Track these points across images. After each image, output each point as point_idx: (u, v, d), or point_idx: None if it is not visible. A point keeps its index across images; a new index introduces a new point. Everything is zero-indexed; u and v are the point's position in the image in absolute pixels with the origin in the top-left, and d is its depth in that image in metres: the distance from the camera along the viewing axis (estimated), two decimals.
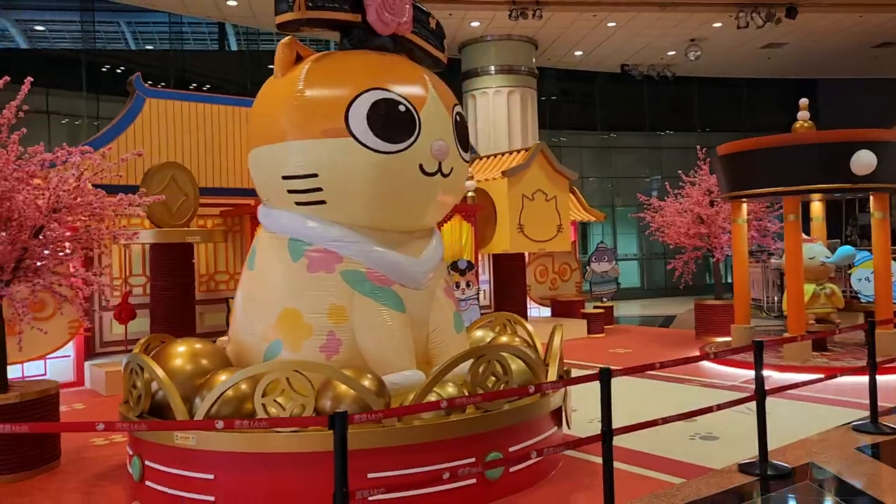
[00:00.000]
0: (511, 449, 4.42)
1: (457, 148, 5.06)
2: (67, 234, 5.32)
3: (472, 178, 11.40)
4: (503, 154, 12.55)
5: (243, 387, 4.25)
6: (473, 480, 4.24)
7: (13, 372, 8.09)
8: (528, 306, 13.48)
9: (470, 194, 11.27)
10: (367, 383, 4.29)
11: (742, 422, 5.78)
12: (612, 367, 3.92)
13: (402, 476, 4.00)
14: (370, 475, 3.98)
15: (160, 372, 4.36)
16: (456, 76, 17.51)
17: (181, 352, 4.77)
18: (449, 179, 4.99)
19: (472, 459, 4.19)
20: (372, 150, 4.62)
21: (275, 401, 4.04)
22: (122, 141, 9.85)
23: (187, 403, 4.33)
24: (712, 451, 5.26)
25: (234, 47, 18.53)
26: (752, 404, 6.26)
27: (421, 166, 4.78)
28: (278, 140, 4.81)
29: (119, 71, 16.56)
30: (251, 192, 7.10)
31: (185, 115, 10.53)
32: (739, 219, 9.76)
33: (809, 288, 9.02)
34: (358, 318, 4.72)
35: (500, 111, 16.33)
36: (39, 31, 16.79)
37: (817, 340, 9.04)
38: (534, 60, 17.02)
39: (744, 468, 4.78)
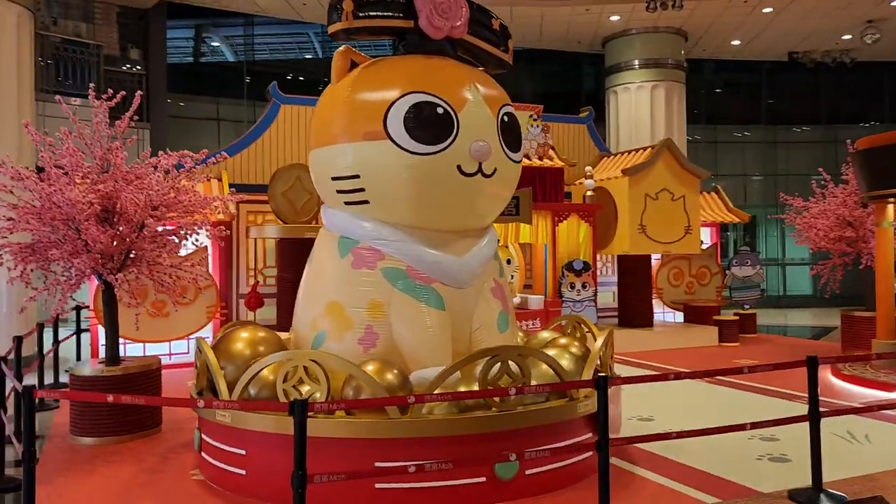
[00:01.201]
0: (527, 451, 4.37)
1: (502, 148, 5.07)
2: (161, 228, 6.01)
3: (591, 176, 11.14)
4: (629, 152, 12.09)
5: None
6: (482, 479, 4.27)
7: (160, 349, 9.29)
8: (661, 310, 12.92)
9: (588, 193, 11.02)
10: (390, 377, 4.47)
11: (830, 445, 5.21)
12: (608, 376, 3.77)
13: (356, 469, 4.12)
14: (377, 464, 4.17)
15: (211, 355, 4.84)
16: (600, 72, 17.10)
17: (243, 337, 5.23)
18: (492, 179, 5.02)
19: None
20: (408, 151, 4.78)
21: (294, 387, 4.35)
22: (258, 144, 10.83)
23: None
24: (774, 474, 4.83)
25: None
26: (851, 427, 5.70)
27: (459, 167, 4.86)
28: (330, 143, 5.12)
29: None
30: None
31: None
32: (885, 222, 8.70)
33: None
34: (395, 314, 4.91)
35: (643, 107, 15.73)
36: (215, 45, 18.73)
37: None
38: (682, 52, 16.17)
39: (793, 495, 4.35)
